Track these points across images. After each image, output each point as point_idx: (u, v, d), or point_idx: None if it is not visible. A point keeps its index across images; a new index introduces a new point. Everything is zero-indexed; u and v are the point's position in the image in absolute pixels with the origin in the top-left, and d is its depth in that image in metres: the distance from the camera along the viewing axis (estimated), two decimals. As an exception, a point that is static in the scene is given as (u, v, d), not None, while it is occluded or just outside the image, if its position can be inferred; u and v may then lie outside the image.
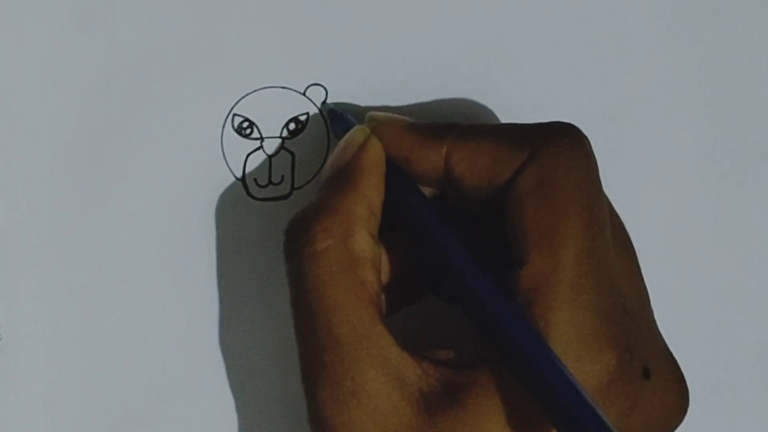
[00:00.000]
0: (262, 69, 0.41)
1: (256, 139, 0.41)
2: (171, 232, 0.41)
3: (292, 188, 0.41)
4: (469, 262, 0.34)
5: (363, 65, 0.41)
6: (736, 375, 0.42)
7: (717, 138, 0.42)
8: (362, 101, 0.41)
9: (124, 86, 0.40)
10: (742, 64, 0.42)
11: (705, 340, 0.42)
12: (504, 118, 0.41)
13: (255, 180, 0.41)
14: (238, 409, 0.41)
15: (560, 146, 0.34)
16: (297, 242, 0.35)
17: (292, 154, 0.41)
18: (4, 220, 0.40)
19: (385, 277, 0.36)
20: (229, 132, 0.41)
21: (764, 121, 0.42)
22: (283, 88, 0.41)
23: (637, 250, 0.37)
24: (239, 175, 0.41)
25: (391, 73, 0.41)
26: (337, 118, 0.39)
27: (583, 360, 0.33)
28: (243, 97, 0.41)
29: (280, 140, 0.41)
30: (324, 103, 0.41)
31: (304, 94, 0.41)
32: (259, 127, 0.41)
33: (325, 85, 0.41)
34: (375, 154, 0.36)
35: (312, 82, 0.41)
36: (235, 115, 0.41)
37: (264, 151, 0.41)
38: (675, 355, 0.37)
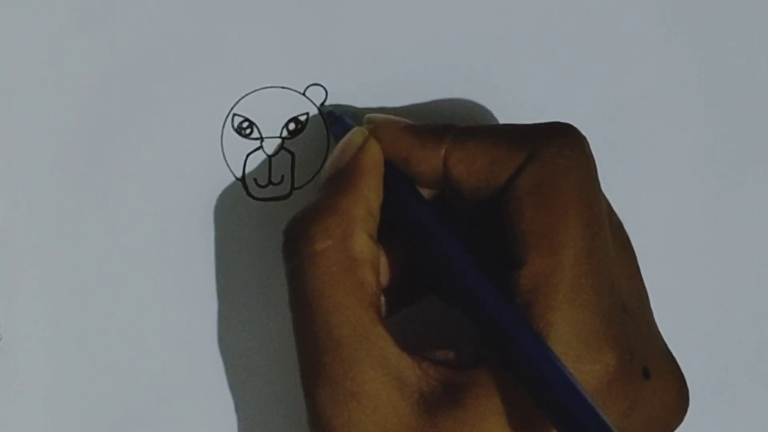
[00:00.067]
0: (262, 69, 0.41)
1: (256, 139, 0.41)
2: (171, 232, 0.41)
3: (292, 188, 0.41)
4: (469, 263, 0.34)
5: (363, 65, 0.41)
6: (736, 375, 0.42)
7: (717, 138, 0.42)
8: (362, 101, 0.41)
9: (124, 86, 0.40)
10: (742, 64, 0.42)
11: (705, 340, 0.42)
12: (503, 119, 0.41)
13: (255, 180, 0.41)
14: (238, 409, 0.41)
15: (559, 147, 0.34)
16: (296, 243, 0.35)
17: (292, 154, 0.41)
18: (4, 220, 0.40)
19: (384, 278, 0.36)
20: (229, 132, 0.41)
21: (764, 121, 0.42)
22: (283, 88, 0.41)
23: (636, 250, 0.37)
24: (239, 175, 0.41)
25: (390, 73, 0.41)
26: (335, 120, 0.39)
27: (583, 360, 0.33)
28: (243, 97, 0.41)
29: (280, 140, 0.41)
30: (323, 104, 0.41)
31: (303, 95, 0.41)
32: (259, 127, 0.41)
33: (324, 85, 0.41)
34: (374, 155, 0.36)
35: (312, 83, 0.41)
36: (235, 115, 0.41)
37: (264, 151, 0.41)
38: (675, 355, 0.36)
